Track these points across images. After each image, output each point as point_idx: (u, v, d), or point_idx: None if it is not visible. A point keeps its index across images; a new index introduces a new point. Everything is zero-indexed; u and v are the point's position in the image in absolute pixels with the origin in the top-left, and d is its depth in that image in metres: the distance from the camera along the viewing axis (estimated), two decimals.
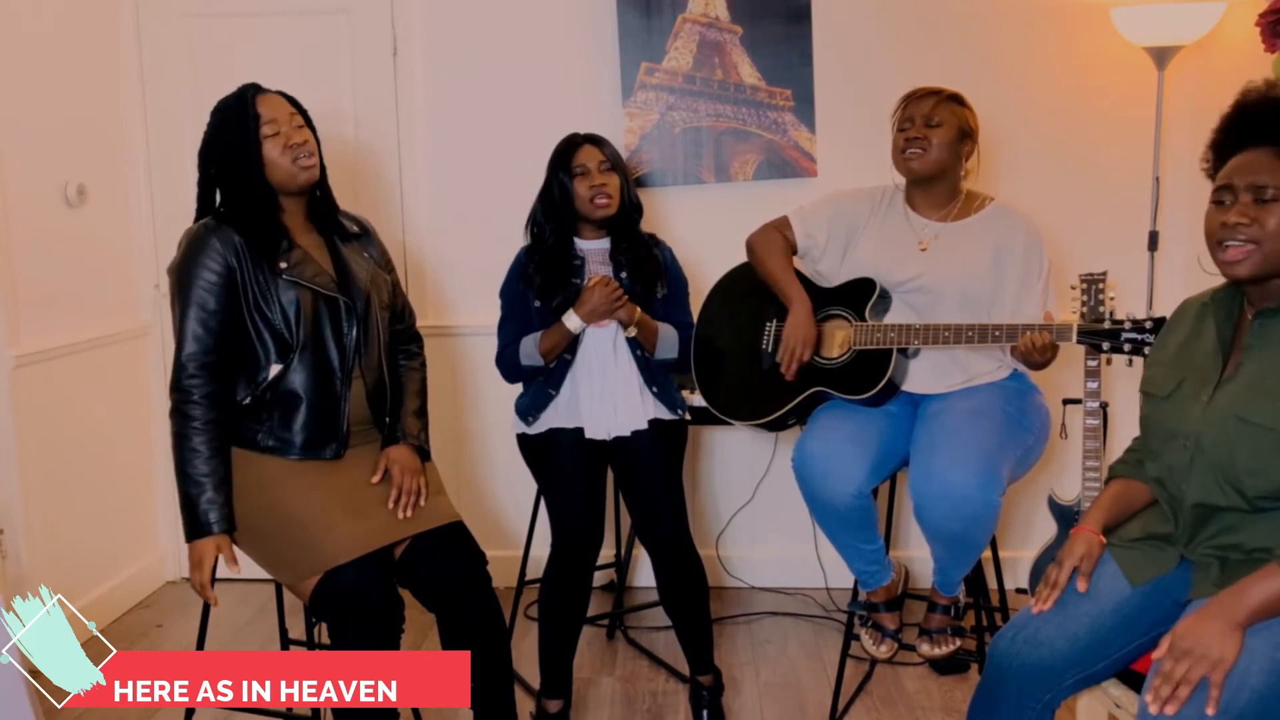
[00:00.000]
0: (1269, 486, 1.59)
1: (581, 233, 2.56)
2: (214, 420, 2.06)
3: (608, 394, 2.49)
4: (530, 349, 2.49)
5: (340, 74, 3.31)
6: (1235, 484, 1.61)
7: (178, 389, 2.07)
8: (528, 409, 2.52)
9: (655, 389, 2.52)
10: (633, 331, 2.49)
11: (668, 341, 2.53)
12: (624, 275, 2.52)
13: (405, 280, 3.24)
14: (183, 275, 2.05)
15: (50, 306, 2.97)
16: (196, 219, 2.13)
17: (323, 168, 2.18)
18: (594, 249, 2.55)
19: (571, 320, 2.44)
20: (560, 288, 2.48)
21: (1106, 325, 2.17)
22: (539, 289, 2.49)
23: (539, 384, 2.52)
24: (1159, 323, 2.09)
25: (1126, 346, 2.14)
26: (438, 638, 2.16)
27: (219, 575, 2.28)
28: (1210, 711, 1.46)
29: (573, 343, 2.48)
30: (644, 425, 2.48)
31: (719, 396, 2.59)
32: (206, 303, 2.04)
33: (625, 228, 2.56)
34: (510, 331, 2.55)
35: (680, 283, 2.65)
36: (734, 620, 3.21)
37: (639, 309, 2.48)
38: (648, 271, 2.54)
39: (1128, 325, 2.14)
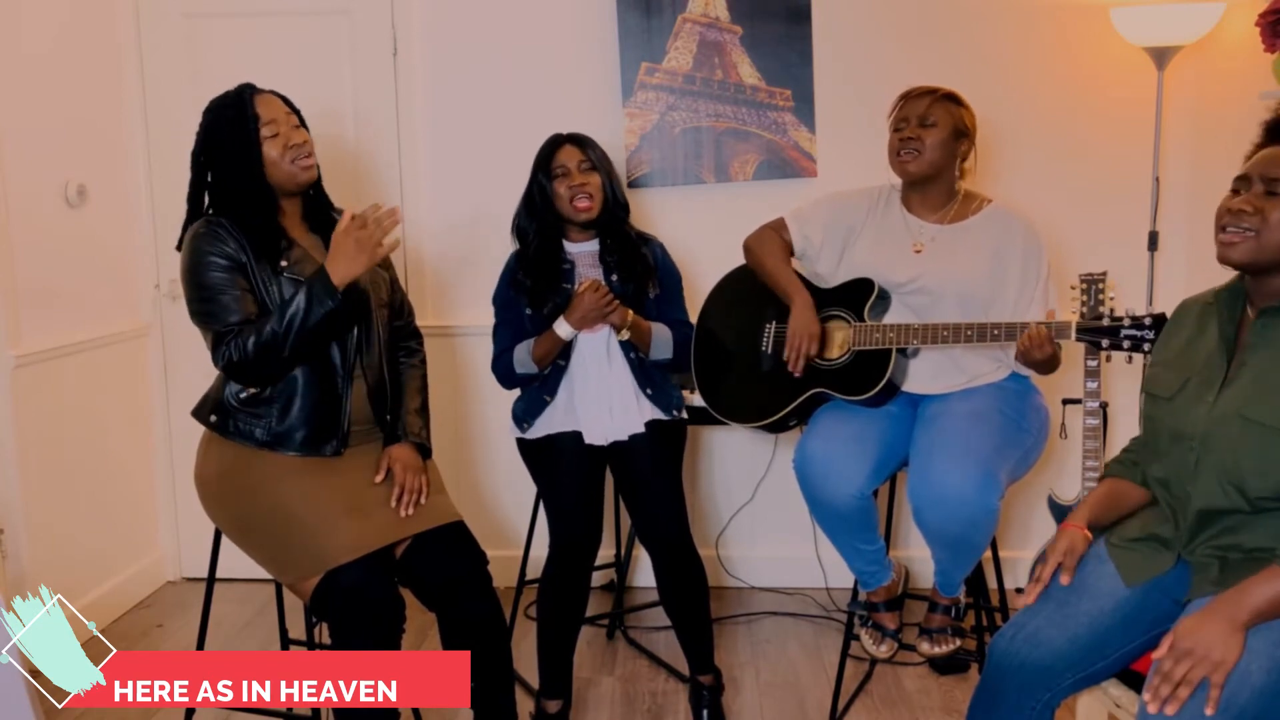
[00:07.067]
0: (1272, 487, 1.59)
1: (569, 235, 2.54)
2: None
3: (603, 398, 2.48)
4: (523, 356, 2.48)
5: (340, 74, 3.31)
6: (1239, 485, 1.61)
7: (225, 348, 2.01)
8: (524, 415, 2.51)
9: (650, 391, 2.50)
10: (626, 335, 2.47)
11: (662, 342, 2.52)
12: (614, 278, 2.50)
13: (405, 280, 3.24)
14: (196, 270, 2.04)
15: (50, 306, 2.97)
16: (187, 220, 2.13)
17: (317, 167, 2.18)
18: (583, 252, 2.54)
19: (563, 328, 2.42)
20: (551, 294, 2.46)
21: (1105, 322, 2.16)
22: (530, 295, 2.47)
23: (534, 390, 2.51)
24: (1158, 319, 2.08)
25: (1126, 344, 2.13)
26: (438, 638, 2.16)
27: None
28: (1209, 711, 1.46)
29: (566, 348, 2.47)
30: (640, 429, 2.47)
31: (720, 399, 2.59)
32: (229, 285, 2.03)
33: (613, 228, 2.54)
34: (504, 338, 2.54)
35: (673, 279, 2.62)
36: (734, 620, 3.21)
37: (631, 312, 2.46)
38: (638, 272, 2.52)
39: (1127, 322, 2.13)
